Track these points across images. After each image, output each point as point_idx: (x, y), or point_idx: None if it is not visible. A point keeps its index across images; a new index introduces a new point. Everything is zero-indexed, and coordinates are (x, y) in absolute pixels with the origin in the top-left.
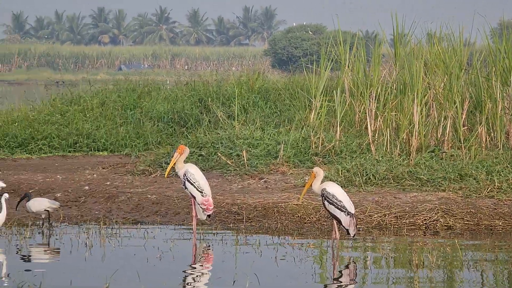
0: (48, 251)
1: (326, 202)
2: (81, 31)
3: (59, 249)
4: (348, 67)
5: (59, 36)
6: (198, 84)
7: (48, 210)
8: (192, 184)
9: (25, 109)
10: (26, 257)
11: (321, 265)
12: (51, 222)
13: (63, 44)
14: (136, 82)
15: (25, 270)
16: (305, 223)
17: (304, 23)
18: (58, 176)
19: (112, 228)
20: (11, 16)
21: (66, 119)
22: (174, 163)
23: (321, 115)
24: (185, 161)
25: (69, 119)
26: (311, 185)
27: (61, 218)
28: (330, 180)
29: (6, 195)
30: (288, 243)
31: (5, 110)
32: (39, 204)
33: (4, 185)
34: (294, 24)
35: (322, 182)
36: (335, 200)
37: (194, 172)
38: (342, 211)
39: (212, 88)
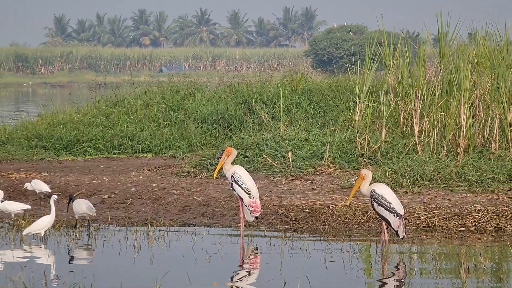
0: (96, 253)
1: (375, 204)
2: (122, 33)
3: (107, 250)
4: (392, 67)
5: (100, 38)
6: (242, 86)
7: (88, 214)
8: (239, 185)
9: (70, 111)
10: (75, 259)
11: (371, 267)
12: (90, 224)
13: (104, 47)
14: (179, 84)
15: (75, 272)
16: (353, 224)
17: (345, 24)
18: (104, 178)
19: (159, 230)
20: (53, 19)
21: (111, 121)
22: (222, 165)
23: (366, 116)
24: (232, 163)
25: (113, 121)
26: (359, 187)
27: (108, 220)
28: (377, 181)
29: (55, 197)
30: (336, 245)
31: (50, 113)
32: (78, 206)
33: (49, 190)
34: (335, 24)
35: (370, 183)
36: (384, 202)
37: (242, 173)
38: (391, 212)
39: (255, 89)
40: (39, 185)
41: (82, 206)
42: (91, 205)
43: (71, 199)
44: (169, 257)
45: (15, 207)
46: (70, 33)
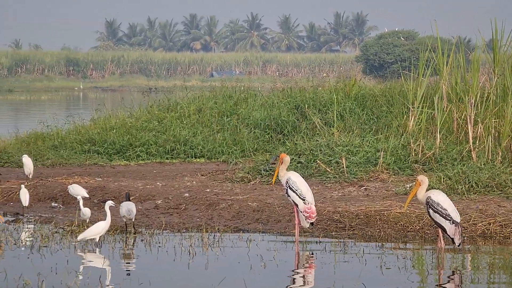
0: (151, 259)
1: (430, 211)
2: (173, 37)
3: (162, 256)
4: (446, 73)
5: (151, 43)
6: (294, 91)
7: (126, 217)
8: (294, 191)
9: (123, 116)
10: (130, 264)
11: (427, 274)
12: (132, 228)
13: (155, 51)
14: (232, 89)
15: (130, 278)
16: (408, 231)
17: (396, 29)
18: (157, 183)
19: (214, 235)
20: (105, 23)
21: (163, 126)
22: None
23: (420, 122)
24: (286, 169)
25: (166, 126)
26: (415, 194)
27: (163, 226)
28: (432, 188)
29: (110, 202)
30: (392, 252)
31: (103, 117)
32: (120, 209)
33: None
34: (386, 30)
35: (426, 190)
36: (440, 209)
37: (296, 179)
38: (447, 219)
39: (308, 95)
40: (77, 190)
41: (122, 209)
42: (132, 209)
43: (128, 198)
44: (224, 263)
45: (78, 191)
46: (121, 37)
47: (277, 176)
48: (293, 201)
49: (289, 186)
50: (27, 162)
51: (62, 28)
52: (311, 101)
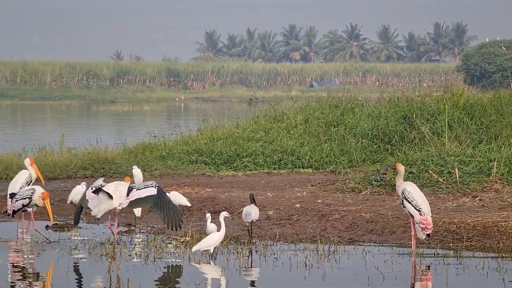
0: (266, 271)
1: None
2: (272, 48)
3: (278, 268)
4: None
5: (250, 53)
6: (401, 100)
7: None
8: (409, 202)
9: (230, 126)
10: (246, 277)
11: None
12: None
13: (254, 62)
14: (338, 99)
15: None
16: None
17: (497, 38)
18: (268, 194)
19: (329, 247)
20: (204, 34)
21: (270, 136)
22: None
23: None
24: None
25: (273, 136)
26: None
27: (277, 237)
28: None
29: (224, 213)
30: None
31: (210, 127)
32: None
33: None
34: (487, 39)
35: None
36: None
37: (412, 190)
38: None
39: (416, 104)
40: (179, 199)
41: (243, 213)
42: (250, 213)
43: (252, 200)
44: (341, 276)
45: (179, 200)
46: (221, 48)
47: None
48: (408, 212)
49: (404, 196)
50: (137, 173)
51: (162, 39)
52: (419, 111)
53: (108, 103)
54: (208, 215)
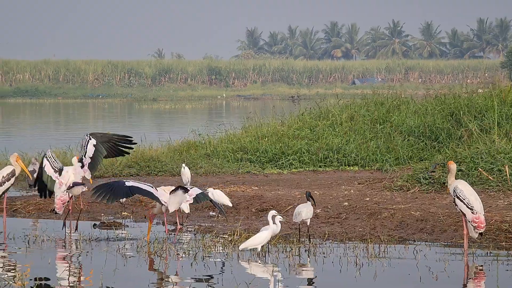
0: (317, 270)
1: None
2: (314, 45)
3: (328, 267)
4: None
5: (292, 51)
6: (448, 97)
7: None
8: (461, 200)
9: (274, 124)
10: (296, 276)
11: None
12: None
13: (296, 59)
14: (384, 96)
15: None
16: None
17: None
18: (315, 192)
19: (379, 246)
20: (246, 32)
21: (316, 133)
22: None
23: None
24: None
25: (318, 134)
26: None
27: (326, 235)
28: None
29: (273, 212)
30: None
31: (254, 125)
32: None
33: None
34: None
35: None
36: None
37: (464, 188)
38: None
39: (462, 101)
40: (221, 198)
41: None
42: (301, 212)
43: (309, 197)
44: (393, 275)
45: (220, 198)
46: (262, 46)
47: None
48: (460, 210)
49: (456, 195)
50: (186, 172)
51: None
52: (466, 108)
53: (150, 102)
54: (276, 217)
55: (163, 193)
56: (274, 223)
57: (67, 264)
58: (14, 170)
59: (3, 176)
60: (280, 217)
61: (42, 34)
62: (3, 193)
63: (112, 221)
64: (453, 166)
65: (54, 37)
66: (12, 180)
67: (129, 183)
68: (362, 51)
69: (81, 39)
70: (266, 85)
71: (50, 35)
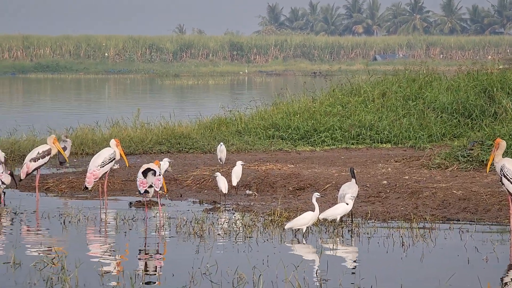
0: (362, 251)
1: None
2: (335, 21)
3: (373, 248)
4: None
5: (313, 27)
6: (481, 74)
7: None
8: (508, 180)
9: (305, 101)
10: (341, 257)
11: None
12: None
13: (317, 35)
14: (416, 72)
15: (343, 271)
16: None
17: None
18: None
19: (423, 226)
20: (267, 8)
21: (348, 110)
22: (492, 158)
23: None
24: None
25: (350, 111)
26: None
27: (368, 215)
28: None
29: (317, 194)
30: None
31: (285, 102)
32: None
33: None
34: None
35: None
36: None
37: (511, 167)
38: None
39: (495, 78)
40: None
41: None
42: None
43: (353, 173)
44: (441, 256)
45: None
46: (283, 22)
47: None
48: (507, 189)
49: (503, 174)
50: (223, 149)
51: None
52: (499, 85)
53: (172, 77)
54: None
55: None
56: (346, 202)
57: (105, 246)
58: (50, 149)
59: (38, 152)
60: (318, 194)
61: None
62: (36, 169)
63: (149, 199)
64: (503, 143)
65: (75, 11)
66: (47, 158)
67: None
68: (383, 27)
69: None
70: (288, 61)
71: (71, 9)
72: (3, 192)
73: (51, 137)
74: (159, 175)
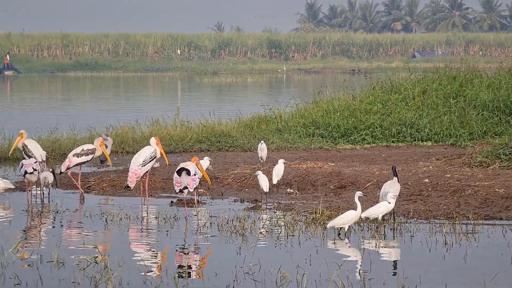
0: (404, 250)
1: None
2: (373, 18)
3: (416, 247)
4: None
5: (352, 24)
6: None
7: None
8: None
9: (345, 98)
10: (384, 256)
11: None
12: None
13: (355, 32)
14: (457, 70)
15: (386, 270)
16: None
17: None
18: None
19: (466, 224)
20: (305, 5)
21: (388, 108)
22: None
23: None
24: None
25: (390, 108)
26: None
27: (410, 213)
28: None
29: (359, 193)
30: None
31: (325, 99)
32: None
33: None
34: None
35: None
36: None
37: None
38: None
39: None
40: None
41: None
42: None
43: (395, 172)
44: (484, 256)
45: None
46: (322, 19)
47: None
48: None
49: None
50: (264, 147)
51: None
52: None
53: (211, 75)
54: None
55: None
56: (388, 200)
57: (147, 244)
58: (95, 149)
59: (83, 149)
60: (360, 192)
61: (101, 7)
62: (77, 165)
63: (188, 198)
64: None
65: (114, 9)
66: (90, 157)
67: None
68: (422, 24)
69: (141, 12)
70: (326, 58)
71: (110, 7)
72: (48, 188)
73: (98, 139)
74: (194, 174)
